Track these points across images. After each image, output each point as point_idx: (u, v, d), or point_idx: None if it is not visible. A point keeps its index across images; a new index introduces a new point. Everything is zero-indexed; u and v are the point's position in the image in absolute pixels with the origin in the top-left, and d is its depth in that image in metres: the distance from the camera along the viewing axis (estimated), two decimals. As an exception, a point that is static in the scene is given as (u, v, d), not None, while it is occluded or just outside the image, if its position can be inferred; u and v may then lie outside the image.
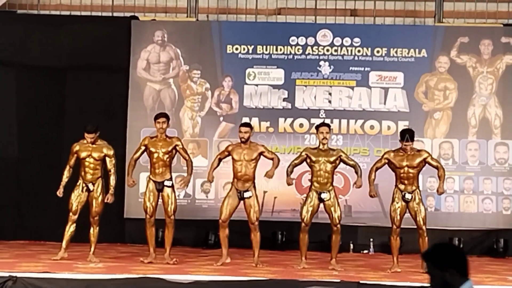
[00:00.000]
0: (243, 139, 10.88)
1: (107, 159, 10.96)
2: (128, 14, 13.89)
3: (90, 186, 10.90)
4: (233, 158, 10.93)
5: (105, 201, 10.89)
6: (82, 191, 10.90)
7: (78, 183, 10.95)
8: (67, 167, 11.00)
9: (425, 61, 13.48)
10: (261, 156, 10.94)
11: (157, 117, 11.12)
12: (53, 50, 13.68)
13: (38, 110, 13.62)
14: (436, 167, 10.80)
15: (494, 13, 13.75)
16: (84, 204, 10.92)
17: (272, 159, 10.93)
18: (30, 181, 13.42)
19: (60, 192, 10.87)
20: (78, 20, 13.84)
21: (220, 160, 11.13)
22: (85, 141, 10.99)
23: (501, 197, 13.32)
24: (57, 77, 13.78)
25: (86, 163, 10.95)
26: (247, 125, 11.23)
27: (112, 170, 10.94)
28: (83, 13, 14.00)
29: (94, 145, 10.96)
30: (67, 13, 14.00)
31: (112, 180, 10.91)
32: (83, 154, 10.95)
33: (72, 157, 10.99)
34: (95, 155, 10.94)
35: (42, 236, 12.97)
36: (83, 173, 10.96)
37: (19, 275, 9.14)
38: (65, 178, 10.95)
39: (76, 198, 10.88)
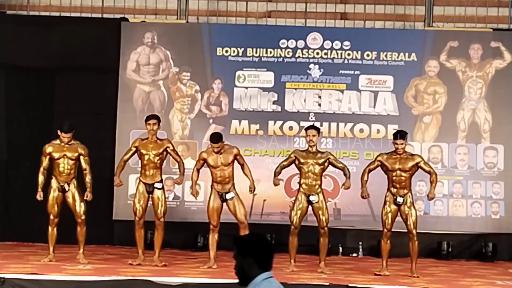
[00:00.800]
0: (216, 150, 10.79)
1: (82, 158, 10.90)
2: (118, 16, 13.87)
3: (66, 186, 10.84)
4: (209, 165, 10.92)
5: (85, 198, 10.84)
6: (57, 191, 10.84)
7: (51, 185, 10.86)
8: (41, 170, 10.88)
9: (414, 65, 13.50)
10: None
11: (147, 118, 11.09)
12: (43, 51, 13.64)
13: (27, 111, 13.58)
14: (429, 172, 10.82)
15: (483, 18, 13.79)
16: (62, 204, 10.85)
17: (242, 165, 10.92)
18: (18, 183, 13.37)
19: (40, 196, 10.82)
20: (68, 21, 13.81)
21: (198, 171, 11.11)
22: (57, 142, 10.92)
23: (490, 201, 13.35)
24: (47, 78, 13.75)
25: (61, 164, 10.87)
26: (219, 138, 10.96)
27: (88, 169, 10.89)
28: (73, 14, 13.97)
29: (68, 145, 10.89)
30: (57, 14, 13.97)
31: (89, 178, 10.86)
32: (56, 155, 10.87)
33: (45, 159, 10.90)
34: (70, 154, 10.87)
35: (31, 237, 12.92)
36: (57, 174, 10.87)
37: (7, 276, 9.11)
38: (41, 181, 10.86)
39: (54, 200, 10.82)
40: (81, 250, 10.80)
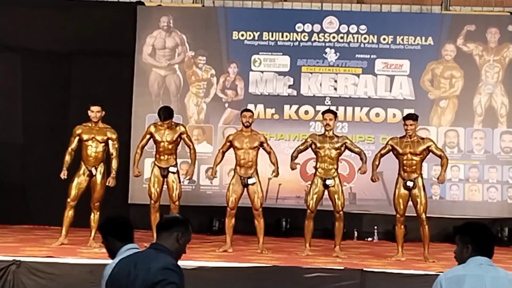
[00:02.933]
0: (247, 123, 10.91)
1: (110, 142, 10.93)
2: (134, 0, 13.85)
3: (93, 170, 10.87)
4: (235, 147, 10.94)
5: (107, 184, 10.86)
6: (84, 176, 10.87)
7: (79, 168, 10.91)
8: (69, 150, 10.88)
9: (431, 49, 13.44)
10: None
11: (161, 117, 10.95)
12: (58, 35, 13.66)
13: (43, 95, 13.61)
14: (440, 156, 10.77)
15: (501, 1, 13.69)
16: (85, 189, 10.89)
17: (269, 153, 10.94)
18: (34, 166, 13.42)
19: (64, 174, 10.80)
20: (84, 5, 13.81)
21: (223, 153, 11.14)
22: (88, 124, 10.95)
23: (506, 186, 13.29)
24: (62, 62, 13.76)
25: (89, 146, 10.90)
26: (250, 110, 11.32)
27: (115, 154, 10.91)
28: (89, -2, 13.97)
29: (97, 128, 10.93)
30: (73, -2, 13.97)
31: (114, 164, 10.88)
32: (85, 137, 10.90)
33: (74, 139, 10.92)
34: (99, 137, 10.91)
35: (47, 220, 12.96)
36: (85, 157, 10.90)
37: (22, 259, 9.16)
38: (67, 160, 10.85)
39: (77, 185, 10.84)
40: (92, 236, 10.81)
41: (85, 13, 13.68)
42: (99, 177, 10.88)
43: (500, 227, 13.06)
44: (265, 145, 11.01)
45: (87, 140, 10.90)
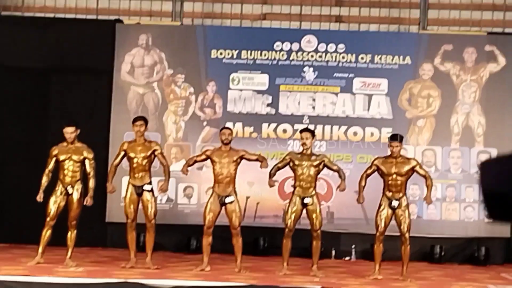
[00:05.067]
0: (226, 141, 10.92)
1: (87, 161, 10.91)
2: (112, 17, 13.86)
3: (69, 189, 10.85)
4: (213, 161, 10.93)
5: (84, 203, 10.84)
6: (60, 194, 10.85)
7: (57, 187, 10.89)
8: (46, 171, 10.92)
9: (409, 68, 13.51)
10: (242, 160, 10.95)
11: (134, 120, 11.11)
12: (37, 52, 13.63)
13: (21, 113, 13.56)
14: (424, 176, 10.84)
15: (478, 22, 13.80)
16: (63, 208, 10.86)
17: (256, 159, 10.97)
18: (11, 184, 13.35)
19: (40, 197, 10.81)
20: (63, 22, 13.80)
21: (195, 161, 11.16)
22: (64, 144, 10.95)
23: (483, 205, 13.31)
24: (41, 79, 13.73)
25: (66, 166, 10.89)
26: (229, 128, 11.44)
27: (92, 173, 10.89)
28: (68, 16, 13.96)
29: (73, 148, 10.92)
30: (52, 15, 13.96)
31: (92, 183, 10.87)
32: (62, 157, 10.89)
33: (51, 161, 10.94)
34: (75, 157, 10.90)
35: (23, 239, 12.89)
36: (62, 176, 10.89)
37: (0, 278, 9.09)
38: (44, 183, 10.88)
39: (54, 203, 10.82)
40: (69, 255, 10.76)
41: (64, 30, 13.67)
42: (76, 196, 10.85)
43: (477, 247, 13.11)
44: (246, 155, 11.00)
45: (63, 160, 10.89)
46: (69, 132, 10.88)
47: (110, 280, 9.46)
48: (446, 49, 13.52)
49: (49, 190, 10.89)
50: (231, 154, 10.95)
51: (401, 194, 10.72)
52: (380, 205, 10.78)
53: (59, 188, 10.86)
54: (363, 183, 10.77)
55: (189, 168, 11.11)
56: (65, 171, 10.88)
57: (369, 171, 10.87)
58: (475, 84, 13.52)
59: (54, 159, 10.92)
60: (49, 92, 13.77)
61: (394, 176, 10.69)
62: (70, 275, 9.73)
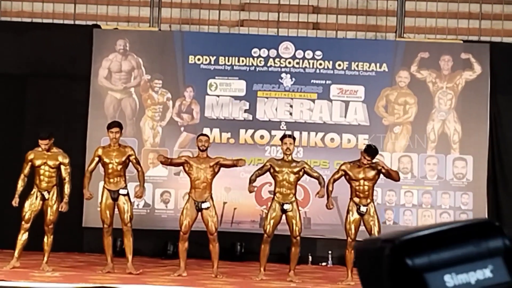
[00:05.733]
0: (203, 147, 10.96)
1: (62, 167, 10.89)
2: (90, 23, 13.83)
3: (46, 194, 10.83)
4: (190, 166, 10.95)
5: (60, 209, 10.82)
6: (36, 199, 10.82)
7: (32, 192, 10.87)
8: (22, 176, 10.91)
9: (385, 76, 13.58)
10: (220, 168, 10.99)
11: (109, 126, 11.10)
12: (14, 57, 13.58)
13: (-3, 117, 13.49)
14: (388, 172, 10.86)
15: (454, 30, 13.91)
16: (39, 212, 10.83)
17: (232, 164, 11.02)
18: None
19: (15, 202, 10.78)
20: (40, 27, 13.76)
21: (171, 164, 11.24)
22: (39, 149, 10.93)
23: (459, 212, 13.43)
24: (17, 84, 13.67)
25: (41, 171, 10.87)
26: (206, 134, 11.50)
27: (67, 179, 10.87)
28: (45, 21, 13.92)
29: (49, 153, 10.90)
30: (29, 20, 13.92)
31: (67, 189, 10.85)
32: (38, 162, 10.87)
33: (27, 166, 10.92)
34: (51, 163, 10.88)
35: (-1, 244, 12.82)
36: (38, 181, 10.88)
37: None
38: (20, 188, 10.87)
39: (30, 207, 10.79)
40: (45, 260, 10.74)
41: (41, 35, 13.62)
42: (52, 201, 10.83)
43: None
44: (222, 161, 11.04)
45: (39, 166, 10.86)
46: (44, 144, 10.87)
47: (87, 285, 9.44)
48: (422, 57, 13.60)
49: (25, 195, 10.85)
50: (208, 161, 10.99)
51: (368, 200, 10.79)
52: (348, 211, 10.85)
53: (35, 192, 10.84)
54: (330, 188, 10.84)
55: (166, 171, 11.13)
56: (41, 176, 10.87)
57: (336, 176, 10.94)
58: (451, 91, 13.61)
59: (29, 164, 10.90)
60: (25, 97, 13.71)
61: (362, 181, 10.76)
62: (46, 280, 9.71)
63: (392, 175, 10.92)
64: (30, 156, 10.94)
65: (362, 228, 10.80)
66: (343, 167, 10.91)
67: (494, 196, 13.43)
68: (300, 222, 10.88)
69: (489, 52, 13.53)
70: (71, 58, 13.55)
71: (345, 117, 13.53)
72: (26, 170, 10.93)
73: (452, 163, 13.49)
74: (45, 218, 10.82)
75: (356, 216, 10.76)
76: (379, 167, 10.85)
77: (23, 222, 10.78)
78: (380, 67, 13.56)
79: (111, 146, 11.01)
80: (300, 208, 11.23)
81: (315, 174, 11.02)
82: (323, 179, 10.99)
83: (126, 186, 11.02)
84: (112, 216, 10.94)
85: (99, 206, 11.32)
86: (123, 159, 10.99)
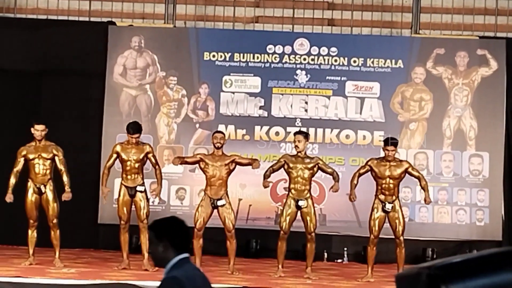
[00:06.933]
0: (218, 145, 10.94)
1: (57, 158, 10.90)
2: (105, 19, 13.84)
3: (42, 188, 10.83)
4: (205, 163, 10.94)
5: (63, 199, 10.81)
6: (34, 193, 10.83)
7: (28, 186, 10.86)
8: (14, 171, 10.90)
9: (401, 72, 13.53)
10: (236, 166, 10.99)
11: (129, 131, 11.01)
12: (29, 54, 13.60)
13: (12, 115, 13.50)
14: (418, 178, 10.91)
15: (470, 26, 13.84)
16: (40, 206, 10.83)
17: (248, 163, 11.01)
18: (2, 187, 13.28)
19: (10, 198, 10.80)
20: (55, 24, 13.77)
21: (186, 162, 11.22)
22: (32, 143, 10.93)
23: (475, 209, 13.38)
24: (33, 81, 13.69)
25: (36, 165, 10.87)
26: (221, 132, 11.54)
27: (63, 169, 10.87)
28: (60, 18, 13.93)
29: (41, 146, 10.90)
30: (44, 17, 13.94)
31: (65, 178, 10.83)
32: (31, 156, 10.89)
33: (19, 161, 10.91)
34: (45, 155, 10.89)
35: (14, 240, 12.84)
36: (33, 175, 10.88)
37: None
38: (12, 183, 10.86)
39: (31, 204, 10.81)
40: (57, 255, 10.76)
41: (56, 32, 13.64)
42: (50, 195, 10.84)
43: (468, 249, 13.13)
44: (238, 159, 11.04)
45: (33, 159, 10.88)
46: (40, 129, 10.87)
47: (103, 281, 9.45)
48: (438, 53, 13.55)
49: (17, 191, 10.84)
50: (223, 158, 10.98)
51: (394, 197, 10.76)
52: (373, 209, 10.81)
53: (31, 187, 10.84)
54: (355, 181, 10.83)
55: (181, 167, 11.12)
56: (36, 170, 10.88)
57: (362, 171, 10.92)
58: (467, 88, 13.55)
59: (22, 159, 10.90)
60: (40, 94, 13.73)
61: (388, 179, 10.73)
62: (62, 276, 9.73)
63: (422, 183, 10.88)
64: (23, 152, 10.93)
65: (385, 225, 10.78)
66: (370, 163, 10.90)
67: (510, 192, 13.38)
68: (315, 218, 10.86)
69: (505, 48, 13.48)
70: (86, 55, 13.56)
71: (361, 113, 13.49)
72: (20, 165, 10.90)
73: (468, 159, 13.43)
74: (47, 214, 10.82)
75: (381, 213, 10.74)
76: (408, 168, 10.80)
77: (31, 221, 10.84)
78: (396, 64, 13.52)
79: (129, 143, 11.01)
80: (315, 204, 11.21)
81: (329, 170, 11.00)
82: (337, 174, 10.97)
83: (143, 183, 11.03)
84: (129, 213, 10.96)
85: (116, 202, 11.34)
86: (141, 156, 10.99)
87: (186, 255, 4.11)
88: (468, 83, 13.55)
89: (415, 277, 1.82)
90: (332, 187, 10.95)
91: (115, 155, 11.08)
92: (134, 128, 11.03)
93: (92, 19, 13.94)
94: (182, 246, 4.12)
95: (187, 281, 3.97)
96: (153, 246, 4.13)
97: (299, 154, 10.90)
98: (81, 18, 13.95)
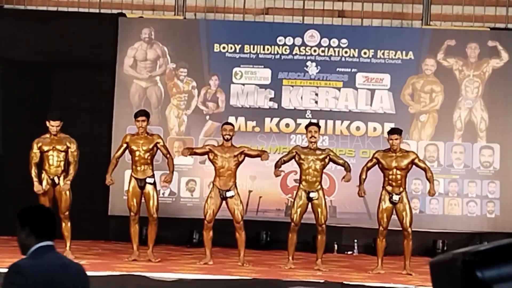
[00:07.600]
0: (227, 137, 10.94)
1: (70, 151, 10.93)
2: (115, 11, 13.85)
3: (56, 179, 10.87)
4: (214, 154, 10.94)
5: (60, 188, 10.84)
6: (47, 185, 10.86)
7: (42, 178, 10.89)
8: (32, 163, 10.89)
9: (411, 64, 13.50)
10: (245, 158, 10.99)
11: (136, 115, 11.11)
12: (40, 46, 13.62)
13: (23, 107, 13.54)
14: (424, 169, 10.88)
15: (481, 17, 13.79)
16: (53, 197, 10.86)
17: (257, 155, 11.00)
18: (13, 178, 13.34)
19: (42, 188, 10.80)
20: (65, 16, 13.79)
21: (195, 153, 11.22)
22: (46, 135, 10.95)
23: (486, 201, 13.35)
24: (43, 73, 13.72)
25: (50, 157, 10.91)
26: (231, 123, 11.51)
27: (73, 162, 10.91)
28: (70, 9, 13.95)
29: (56, 138, 10.93)
30: (54, 8, 13.95)
31: (71, 169, 10.87)
32: (46, 148, 10.92)
33: (35, 153, 10.92)
34: (59, 147, 10.93)
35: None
36: (47, 167, 10.92)
37: (1, 270, 9.09)
38: (35, 173, 10.85)
39: (45, 194, 10.83)
40: (68, 246, 10.79)
41: (66, 24, 13.65)
42: (64, 187, 10.85)
43: (479, 242, 13.10)
44: (247, 151, 11.04)
45: (47, 151, 10.91)
46: (55, 125, 10.89)
47: (113, 273, 9.47)
48: (449, 44, 13.51)
49: (30, 182, 10.86)
50: (232, 150, 10.98)
51: (401, 189, 10.74)
52: (380, 200, 10.80)
53: (45, 178, 10.87)
54: (363, 176, 10.80)
55: (191, 159, 11.12)
56: (50, 161, 10.93)
57: (369, 164, 10.90)
58: (478, 79, 13.51)
59: (38, 151, 10.93)
60: (51, 86, 13.76)
61: (394, 170, 10.71)
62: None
63: (427, 175, 10.86)
64: (38, 144, 10.96)
65: (393, 217, 10.76)
66: (376, 155, 10.88)
67: (521, 184, 13.34)
68: (325, 210, 10.86)
69: (516, 40, 13.43)
70: (96, 46, 13.57)
71: (371, 105, 13.46)
72: (36, 157, 10.92)
73: (479, 151, 13.40)
74: (59, 206, 10.84)
75: (388, 204, 10.72)
76: (415, 159, 10.77)
77: None
78: (406, 55, 13.48)
79: (139, 134, 11.03)
80: (326, 196, 11.20)
81: (340, 161, 11.00)
82: (349, 165, 10.97)
83: (153, 174, 11.03)
84: (139, 204, 10.97)
85: (126, 194, 11.35)
86: (151, 146, 11.00)
87: (48, 243, 4.06)
88: (479, 75, 13.51)
89: (449, 263, 1.83)
90: (344, 177, 10.94)
91: (124, 145, 11.10)
92: (141, 112, 11.14)
93: (103, 10, 13.95)
94: (44, 234, 4.07)
95: (32, 269, 3.89)
96: (17, 233, 4.12)
97: (311, 145, 10.89)
98: (92, 10, 13.96)
